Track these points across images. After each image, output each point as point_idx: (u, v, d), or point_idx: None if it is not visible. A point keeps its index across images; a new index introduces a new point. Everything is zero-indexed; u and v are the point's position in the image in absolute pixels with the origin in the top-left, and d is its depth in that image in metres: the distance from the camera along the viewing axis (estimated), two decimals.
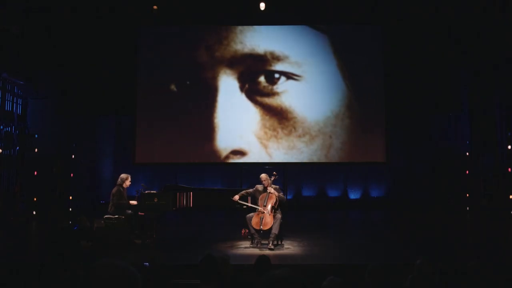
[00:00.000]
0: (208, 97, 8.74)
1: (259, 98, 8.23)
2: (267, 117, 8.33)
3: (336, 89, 9.72)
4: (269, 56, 8.54)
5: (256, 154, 8.21)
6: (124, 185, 7.29)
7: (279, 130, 8.26)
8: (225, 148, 8.17)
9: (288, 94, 8.40)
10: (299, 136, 8.30)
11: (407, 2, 10.32)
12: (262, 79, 8.41)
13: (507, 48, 10.05)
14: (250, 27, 8.91)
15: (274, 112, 8.25)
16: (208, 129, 8.42)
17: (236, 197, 6.98)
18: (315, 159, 8.69)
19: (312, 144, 8.36)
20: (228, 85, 8.36)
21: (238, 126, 8.25)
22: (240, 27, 9.02)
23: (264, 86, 8.41)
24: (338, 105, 9.12)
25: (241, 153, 8.21)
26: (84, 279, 1.48)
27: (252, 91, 8.36)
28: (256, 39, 8.70)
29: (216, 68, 8.94)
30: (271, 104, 8.30)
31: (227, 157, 8.24)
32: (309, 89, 8.80)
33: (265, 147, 8.22)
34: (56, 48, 10.66)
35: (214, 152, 8.44)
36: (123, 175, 7.40)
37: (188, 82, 9.54)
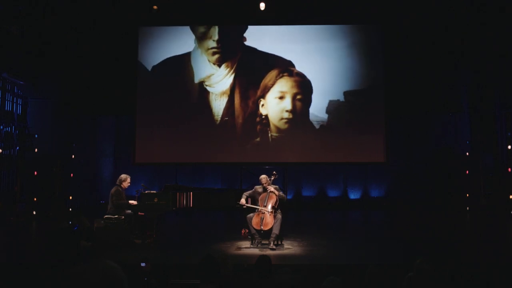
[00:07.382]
0: None
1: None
2: None
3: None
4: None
5: None
6: (123, 186, 7.28)
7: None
8: None
9: None
10: None
11: (407, 1, 10.32)
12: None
13: (507, 48, 10.05)
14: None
15: None
16: None
17: (243, 201, 6.96)
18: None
19: None
20: None
21: None
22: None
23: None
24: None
25: None
26: (67, 280, 1.48)
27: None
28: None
29: None
30: None
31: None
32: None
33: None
34: (56, 48, 10.66)
35: None
36: (122, 175, 7.39)
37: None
